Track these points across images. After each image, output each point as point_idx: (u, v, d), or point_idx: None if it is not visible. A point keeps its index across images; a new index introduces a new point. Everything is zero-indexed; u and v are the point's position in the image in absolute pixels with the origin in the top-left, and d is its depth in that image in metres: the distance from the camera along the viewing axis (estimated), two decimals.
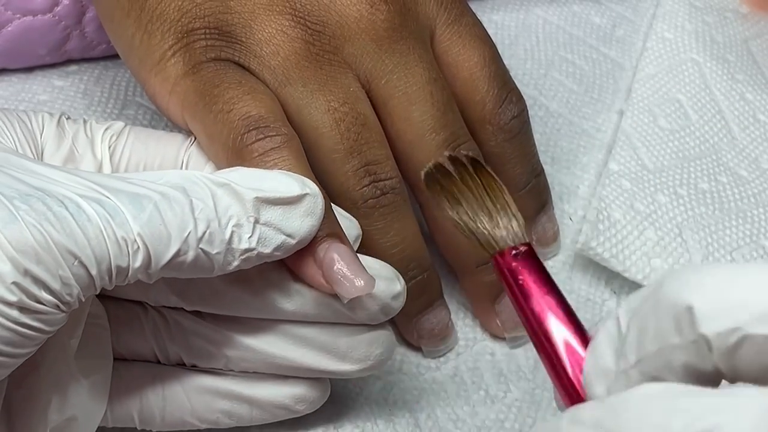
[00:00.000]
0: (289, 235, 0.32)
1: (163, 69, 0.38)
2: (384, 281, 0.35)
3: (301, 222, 0.33)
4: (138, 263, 0.30)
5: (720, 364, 0.23)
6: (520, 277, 0.29)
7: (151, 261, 0.30)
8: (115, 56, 0.49)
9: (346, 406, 0.40)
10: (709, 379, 0.24)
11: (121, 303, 0.36)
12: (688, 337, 0.23)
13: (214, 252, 0.31)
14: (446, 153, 0.33)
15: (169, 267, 0.31)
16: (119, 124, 0.37)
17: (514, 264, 0.30)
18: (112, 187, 0.31)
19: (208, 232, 0.31)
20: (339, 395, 0.40)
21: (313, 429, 0.39)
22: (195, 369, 0.37)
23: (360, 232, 0.37)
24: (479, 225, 0.31)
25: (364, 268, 0.34)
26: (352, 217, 0.37)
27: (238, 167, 0.34)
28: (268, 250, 0.32)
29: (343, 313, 0.35)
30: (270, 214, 0.32)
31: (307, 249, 0.34)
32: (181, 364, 0.37)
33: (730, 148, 0.48)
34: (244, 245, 0.32)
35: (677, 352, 0.24)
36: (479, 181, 0.31)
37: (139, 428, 0.37)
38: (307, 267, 0.34)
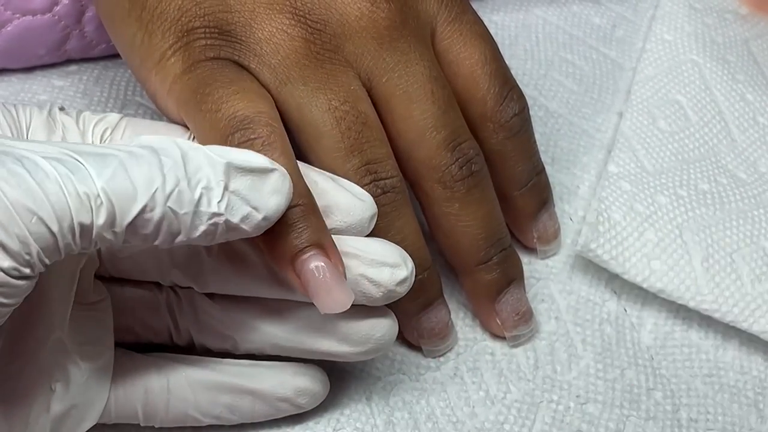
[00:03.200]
0: (255, 208, 0.32)
1: (163, 68, 0.38)
2: (388, 269, 0.35)
3: (268, 198, 0.32)
4: (102, 220, 0.29)
5: None
6: None
7: (116, 217, 0.29)
8: (114, 56, 0.49)
9: (346, 407, 0.40)
10: None
11: (138, 282, 0.37)
12: None
13: (182, 212, 0.30)
14: None
15: (135, 225, 0.30)
16: (114, 117, 0.37)
17: None
18: (79, 149, 0.30)
19: (177, 189, 0.30)
20: (339, 395, 0.40)
21: (313, 429, 0.39)
22: (202, 358, 0.37)
23: (375, 211, 0.37)
24: None
25: (343, 282, 0.33)
26: (367, 196, 0.37)
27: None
28: (235, 219, 0.31)
29: None
30: (239, 182, 0.32)
31: (287, 258, 0.34)
32: (192, 346, 0.38)
33: (729, 151, 0.48)
34: (213, 209, 0.31)
35: None
36: None
37: (142, 424, 0.37)
38: (288, 276, 0.34)
